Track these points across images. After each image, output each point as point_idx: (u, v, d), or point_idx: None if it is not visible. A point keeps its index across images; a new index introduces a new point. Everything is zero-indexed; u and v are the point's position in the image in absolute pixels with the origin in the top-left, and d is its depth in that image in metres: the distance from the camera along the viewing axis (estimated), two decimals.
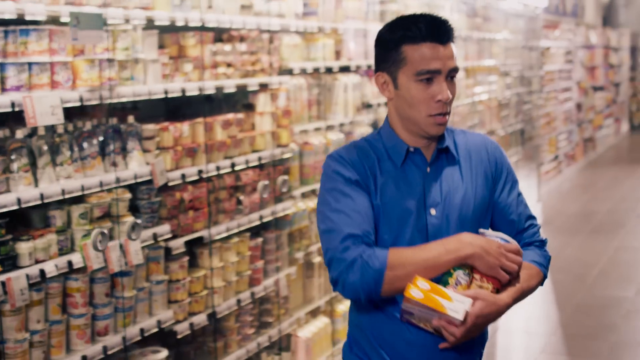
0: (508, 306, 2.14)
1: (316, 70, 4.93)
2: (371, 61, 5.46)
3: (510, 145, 9.14)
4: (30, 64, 3.00)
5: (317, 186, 4.80)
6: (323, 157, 4.83)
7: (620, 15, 18.40)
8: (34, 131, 3.07)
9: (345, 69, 5.32)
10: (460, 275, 2.11)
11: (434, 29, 2.12)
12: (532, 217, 2.36)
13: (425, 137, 2.21)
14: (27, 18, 2.95)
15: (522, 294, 2.20)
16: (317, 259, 4.89)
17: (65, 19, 3.07)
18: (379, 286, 2.06)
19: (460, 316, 2.01)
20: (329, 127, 5.08)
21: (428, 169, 2.22)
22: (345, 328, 5.10)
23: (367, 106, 5.46)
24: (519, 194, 2.34)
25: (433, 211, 2.18)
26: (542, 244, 2.35)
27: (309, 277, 4.91)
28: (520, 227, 2.32)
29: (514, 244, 2.13)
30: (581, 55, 14.22)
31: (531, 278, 2.23)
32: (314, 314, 4.95)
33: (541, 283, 2.31)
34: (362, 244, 2.09)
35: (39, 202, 2.98)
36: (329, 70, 5.10)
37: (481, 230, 2.19)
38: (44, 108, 2.91)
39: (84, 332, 3.20)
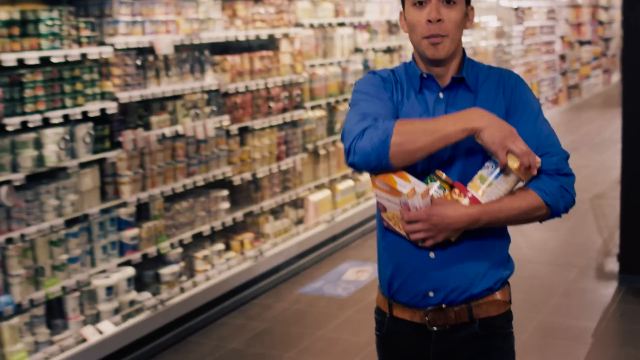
0: (474, 218, 2.12)
1: (321, 24, 7.38)
2: (360, 18, 7.92)
3: None
4: (155, 21, 5.50)
5: (322, 102, 7.28)
6: (326, 83, 7.31)
7: None
8: (156, 57, 5.57)
9: (341, 24, 7.76)
10: (434, 188, 2.10)
11: None
12: (552, 146, 2.27)
13: (428, 61, 2.31)
14: None
15: (501, 216, 2.16)
16: (322, 152, 7.37)
17: None
18: (386, 148, 2.09)
19: (405, 190, 2.00)
20: (330, 64, 7.54)
21: (441, 95, 2.31)
22: (343, 200, 7.62)
23: (358, 50, 7.90)
24: (538, 124, 2.28)
25: None
26: (556, 171, 2.23)
27: (316, 163, 7.41)
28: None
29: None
30: (565, 13, 16.40)
31: (520, 200, 2.18)
32: (319, 187, 7.46)
33: (548, 214, 2.24)
34: (374, 119, 2.19)
35: (160, 96, 5.50)
36: (330, 25, 7.54)
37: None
38: (164, 44, 5.42)
39: (183, 171, 5.74)
